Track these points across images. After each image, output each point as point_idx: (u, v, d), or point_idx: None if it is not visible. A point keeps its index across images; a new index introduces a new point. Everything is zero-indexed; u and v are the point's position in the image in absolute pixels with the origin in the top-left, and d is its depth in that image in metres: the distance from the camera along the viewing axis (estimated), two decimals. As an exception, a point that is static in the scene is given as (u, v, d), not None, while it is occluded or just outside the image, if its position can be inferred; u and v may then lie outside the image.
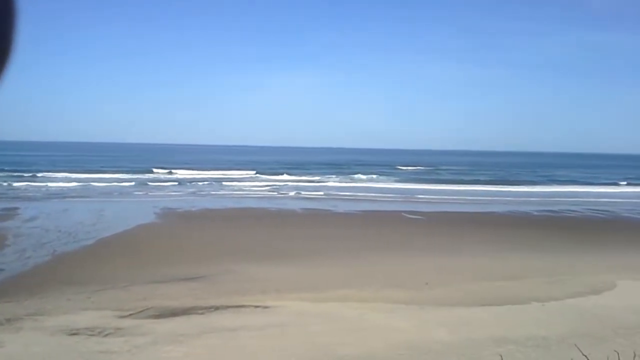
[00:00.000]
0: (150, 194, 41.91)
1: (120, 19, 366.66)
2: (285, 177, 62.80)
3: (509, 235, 24.57)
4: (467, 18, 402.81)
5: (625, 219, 32.41)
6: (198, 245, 20.87)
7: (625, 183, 65.61)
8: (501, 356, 7.47)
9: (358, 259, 18.75)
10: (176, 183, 51.62)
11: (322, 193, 45.24)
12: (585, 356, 3.97)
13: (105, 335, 10.87)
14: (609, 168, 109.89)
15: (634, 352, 3.93)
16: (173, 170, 65.73)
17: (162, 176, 60.25)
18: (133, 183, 49.80)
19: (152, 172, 64.10)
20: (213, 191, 44.96)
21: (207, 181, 54.06)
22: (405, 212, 32.59)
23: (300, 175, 66.06)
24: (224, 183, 52.50)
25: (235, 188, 48.49)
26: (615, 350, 4.54)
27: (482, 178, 69.44)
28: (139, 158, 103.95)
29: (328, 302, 13.47)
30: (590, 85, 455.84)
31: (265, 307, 12.99)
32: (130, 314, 12.38)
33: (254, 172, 67.77)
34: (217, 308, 12.90)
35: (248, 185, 51.30)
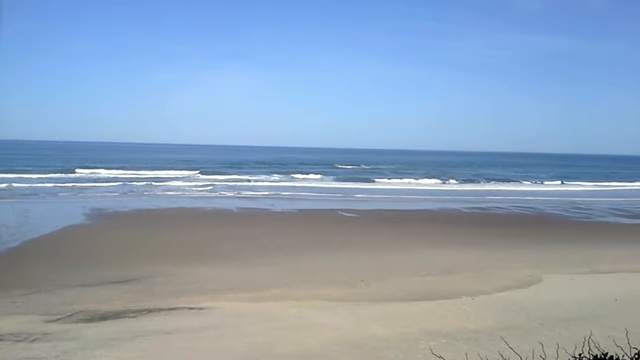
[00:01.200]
0: (80, 194, 40.26)
1: (35, 17, 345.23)
2: (223, 176, 62.03)
3: (441, 232, 25.35)
4: (395, 19, 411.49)
5: (550, 215, 34.08)
6: (130, 246, 20.24)
7: (558, 181, 69.56)
8: (431, 349, 7.68)
9: (295, 257, 18.77)
10: (108, 183, 49.85)
11: (260, 192, 45.01)
12: (512, 348, 4.13)
13: (32, 341, 10.35)
14: (535, 167, 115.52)
15: (557, 344, 4.12)
16: (104, 170, 63.61)
17: (92, 175, 58.05)
18: (61, 182, 47.68)
19: (80, 171, 61.68)
20: (147, 191, 43.71)
21: (141, 181, 52.51)
22: (342, 210, 32.94)
23: (239, 174, 65.49)
24: (158, 183, 51.16)
25: (171, 188, 47.40)
26: (540, 342, 4.75)
27: (416, 176, 71.44)
28: (67, 157, 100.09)
29: (265, 302, 13.41)
30: (515, 85, 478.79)
31: (201, 309, 12.77)
32: (59, 318, 11.85)
33: (191, 171, 66.63)
34: (150, 311, 12.56)
35: (184, 185, 50.29)
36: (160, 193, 42.44)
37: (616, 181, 70.52)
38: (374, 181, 62.12)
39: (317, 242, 21.73)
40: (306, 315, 12.33)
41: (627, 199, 45.99)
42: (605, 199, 45.39)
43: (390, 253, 19.83)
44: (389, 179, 66.14)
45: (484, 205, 38.40)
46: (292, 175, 66.69)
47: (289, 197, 41.94)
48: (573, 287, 15.53)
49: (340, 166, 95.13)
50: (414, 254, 19.69)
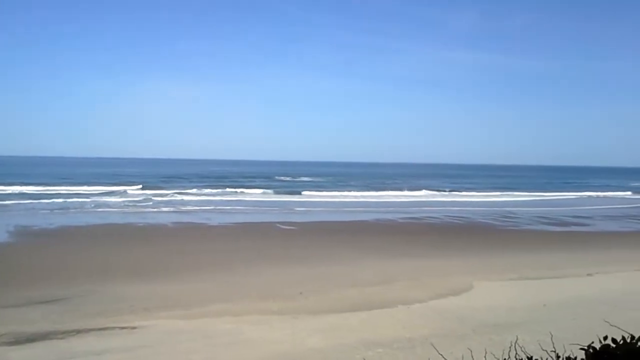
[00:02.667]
0: (2, 211, 38.10)
1: None
2: (161, 190, 60.39)
3: (377, 242, 25.71)
4: (336, 34, 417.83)
5: (481, 224, 35.29)
6: (57, 265, 19.33)
7: (488, 189, 72.31)
8: (364, 359, 7.72)
9: (232, 272, 18.50)
10: (33, 200, 47.40)
11: (198, 206, 44.12)
12: (442, 355, 4.21)
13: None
14: (472, 178, 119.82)
15: (485, 349, 4.23)
16: (27, 186, 60.38)
17: (16, 191, 55.05)
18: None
19: (2, 187, 58.35)
20: (77, 207, 41.90)
21: (72, 197, 50.23)
22: (280, 223, 32.84)
23: (178, 188, 64.05)
24: (90, 198, 49.22)
25: (104, 203, 45.66)
26: (468, 348, 4.86)
27: (353, 188, 72.40)
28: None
29: (201, 318, 13.10)
30: (451, 99, 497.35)
31: (133, 328, 12.31)
32: (-20, 343, 11.12)
33: (126, 186, 64.45)
34: (79, 331, 12.00)
35: (119, 200, 48.52)
36: (91, 209, 40.80)
37: (549, 191, 73.83)
38: (312, 193, 62.39)
39: (255, 256, 21.52)
40: (244, 331, 12.14)
41: (556, 209, 48.27)
42: (536, 209, 47.41)
43: (329, 264, 19.91)
44: (327, 191, 66.62)
45: (418, 215, 39.32)
46: (232, 188, 65.83)
47: (227, 210, 41.40)
48: (503, 294, 16.09)
49: (280, 178, 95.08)
50: (352, 265, 19.85)
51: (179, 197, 52.79)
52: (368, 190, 69.53)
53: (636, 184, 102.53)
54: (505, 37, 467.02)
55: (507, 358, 3.20)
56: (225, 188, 65.92)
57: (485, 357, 3.89)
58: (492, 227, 33.83)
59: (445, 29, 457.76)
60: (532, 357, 3.18)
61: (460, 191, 70.56)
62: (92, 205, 43.12)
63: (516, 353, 3.29)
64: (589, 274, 18.71)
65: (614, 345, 3.04)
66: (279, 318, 13.28)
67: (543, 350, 3.47)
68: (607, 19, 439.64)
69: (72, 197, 49.24)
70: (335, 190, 67.29)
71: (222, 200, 50.95)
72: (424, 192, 67.49)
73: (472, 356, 4.08)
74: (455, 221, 36.32)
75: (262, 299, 15.00)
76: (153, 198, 51.23)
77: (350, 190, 67.73)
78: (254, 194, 61.21)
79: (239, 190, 64.65)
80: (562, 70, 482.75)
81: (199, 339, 11.48)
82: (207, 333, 11.97)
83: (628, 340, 3.06)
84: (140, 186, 64.40)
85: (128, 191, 59.07)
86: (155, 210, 40.74)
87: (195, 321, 12.88)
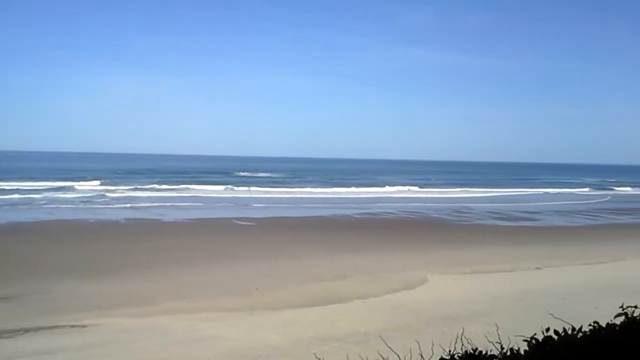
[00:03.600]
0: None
1: None
2: (116, 186, 58.85)
3: (334, 238, 25.86)
4: (299, 30, 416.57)
5: (435, 219, 35.94)
6: (4, 262, 18.64)
7: (440, 184, 73.75)
8: (315, 354, 7.76)
9: (187, 269, 18.24)
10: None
11: (152, 202, 43.28)
12: (390, 347, 4.28)
13: None
14: (433, 174, 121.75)
15: (433, 342, 4.32)
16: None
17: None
18: None
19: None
20: (24, 204, 40.40)
21: (20, 193, 48.41)
22: (236, 218, 32.59)
23: (130, 183, 62.53)
24: (40, 194, 47.58)
25: (52, 199, 44.18)
26: (416, 340, 4.96)
27: (311, 184, 72.54)
28: None
29: (155, 316, 12.90)
30: (410, 97, 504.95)
31: (84, 326, 12.02)
32: None
33: (80, 182, 62.62)
34: (27, 330, 11.64)
35: (67, 197, 47.05)
36: (42, 205, 39.41)
37: (505, 187, 75.56)
38: (270, 189, 62.13)
39: (211, 252, 21.30)
40: (199, 328, 12.02)
41: (509, 204, 49.52)
42: (490, 204, 48.53)
43: (286, 260, 19.90)
44: (285, 187, 66.53)
45: (374, 210, 39.72)
46: (189, 184, 64.77)
47: (183, 206, 40.73)
48: (456, 287, 16.46)
49: (239, 174, 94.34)
50: (308, 261, 19.90)
51: (134, 193, 51.64)
52: (327, 186, 69.79)
53: (593, 180, 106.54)
54: (459, 35, 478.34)
55: (451, 350, 3.28)
56: (182, 184, 64.90)
57: (432, 349, 3.97)
58: (447, 222, 34.48)
59: (400, 26, 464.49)
60: (477, 348, 3.26)
61: (419, 187, 71.59)
62: (44, 202, 41.65)
63: (462, 345, 3.37)
64: (537, 268, 19.33)
65: (555, 337, 3.15)
66: (235, 315, 13.21)
67: (490, 342, 3.56)
68: (557, 19, 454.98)
69: (21, 193, 47.48)
70: (293, 186, 67.26)
71: (178, 197, 50.08)
72: (382, 188, 68.10)
73: (419, 348, 4.17)
74: (411, 217, 36.86)
75: (217, 296, 14.87)
76: (108, 194, 49.92)
77: (308, 187, 67.80)
78: (212, 190, 60.44)
79: (196, 186, 63.76)
80: (516, 68, 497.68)
81: (153, 338, 11.30)
82: (161, 331, 11.80)
83: (569, 332, 3.18)
84: (96, 182, 62.78)
85: (82, 187, 57.44)
86: (109, 206, 39.76)
87: (149, 319, 12.67)
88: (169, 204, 42.79)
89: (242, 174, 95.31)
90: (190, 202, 44.37)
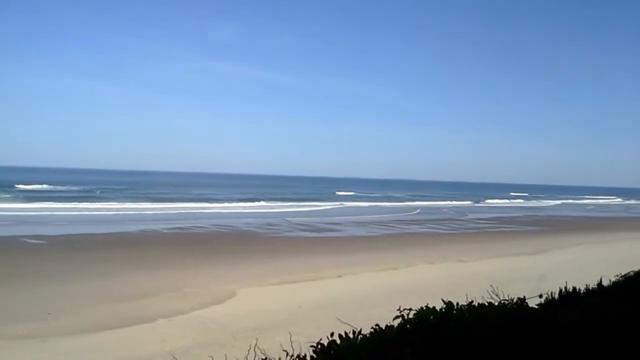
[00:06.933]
0: None
1: None
2: None
3: (138, 254, 24.66)
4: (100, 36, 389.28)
5: (246, 232, 36.36)
6: None
7: (257, 199, 75.61)
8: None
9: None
10: None
11: None
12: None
13: None
14: (248, 188, 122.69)
15: (236, 355, 4.37)
16: None
17: None
18: None
19: None
20: None
21: None
22: (28, 236, 29.30)
23: None
24: None
25: None
26: (225, 354, 4.98)
27: (119, 199, 68.36)
28: None
29: None
30: (220, 108, 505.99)
31: None
32: None
33: None
34: None
35: None
36: None
37: (315, 201, 79.33)
38: (68, 205, 56.81)
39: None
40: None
41: (317, 218, 52.03)
42: (299, 218, 50.38)
43: (83, 280, 18.44)
44: (89, 202, 61.26)
45: (185, 225, 38.80)
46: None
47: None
48: (265, 298, 16.80)
49: (20, 186, 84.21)
50: (108, 280, 18.66)
51: None
52: (140, 201, 66.09)
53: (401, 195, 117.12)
54: (268, 52, 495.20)
55: (241, 362, 3.37)
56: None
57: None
58: (258, 235, 35.09)
59: (208, 39, 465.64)
60: (266, 357, 3.39)
61: (233, 202, 71.45)
62: None
63: (255, 355, 3.47)
64: (339, 276, 20.62)
65: (339, 341, 3.39)
66: (25, 343, 11.92)
67: (283, 350, 3.70)
68: (357, 43, 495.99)
69: None
70: (96, 202, 62.52)
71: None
72: (197, 203, 66.38)
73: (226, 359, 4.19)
74: (222, 230, 36.79)
75: (3, 322, 13.20)
76: None
77: (113, 201, 63.57)
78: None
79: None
80: (312, 88, 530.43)
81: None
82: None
83: (351, 336, 3.45)
84: None
85: None
86: None
87: None
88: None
89: (25, 187, 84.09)
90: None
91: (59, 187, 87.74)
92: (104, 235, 32.40)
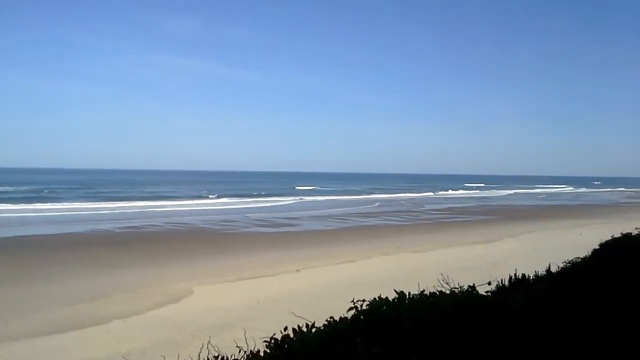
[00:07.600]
0: None
1: None
2: None
3: (90, 255, 24.09)
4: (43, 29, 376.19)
5: (203, 229, 35.92)
6: None
7: (215, 196, 74.47)
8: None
9: None
10: None
11: None
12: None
13: None
14: (201, 184, 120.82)
15: (190, 354, 4.32)
16: None
17: None
18: None
19: None
20: None
21: None
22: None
23: None
24: None
25: None
26: (177, 353, 4.92)
27: (69, 198, 66.33)
28: None
29: None
30: (169, 103, 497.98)
31: None
32: None
33: None
34: None
35: None
36: None
37: (273, 196, 79.05)
38: (16, 205, 54.82)
39: None
40: None
41: (274, 213, 51.88)
42: (258, 214, 50.12)
43: (33, 283, 17.88)
44: (40, 202, 59.13)
45: (138, 224, 38.01)
46: None
47: None
48: (222, 296, 16.64)
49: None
50: (60, 282, 18.16)
51: None
52: (93, 200, 64.27)
53: (362, 188, 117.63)
54: (224, 46, 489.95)
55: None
56: None
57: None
58: (214, 231, 34.73)
59: (165, 34, 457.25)
60: (219, 355, 3.36)
61: (191, 199, 70.28)
62: None
63: (208, 353, 3.44)
64: (297, 270, 20.62)
65: (292, 335, 3.39)
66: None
67: (237, 347, 3.68)
68: (319, 39, 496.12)
69: None
70: (46, 202, 60.45)
71: None
72: (152, 202, 64.97)
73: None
74: (178, 228, 36.22)
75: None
76: None
77: (65, 202, 61.61)
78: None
79: None
80: (279, 81, 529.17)
81: None
82: None
83: (304, 329, 3.46)
84: None
85: None
86: None
87: None
88: None
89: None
90: None
91: (7, 188, 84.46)
92: (55, 237, 31.41)
